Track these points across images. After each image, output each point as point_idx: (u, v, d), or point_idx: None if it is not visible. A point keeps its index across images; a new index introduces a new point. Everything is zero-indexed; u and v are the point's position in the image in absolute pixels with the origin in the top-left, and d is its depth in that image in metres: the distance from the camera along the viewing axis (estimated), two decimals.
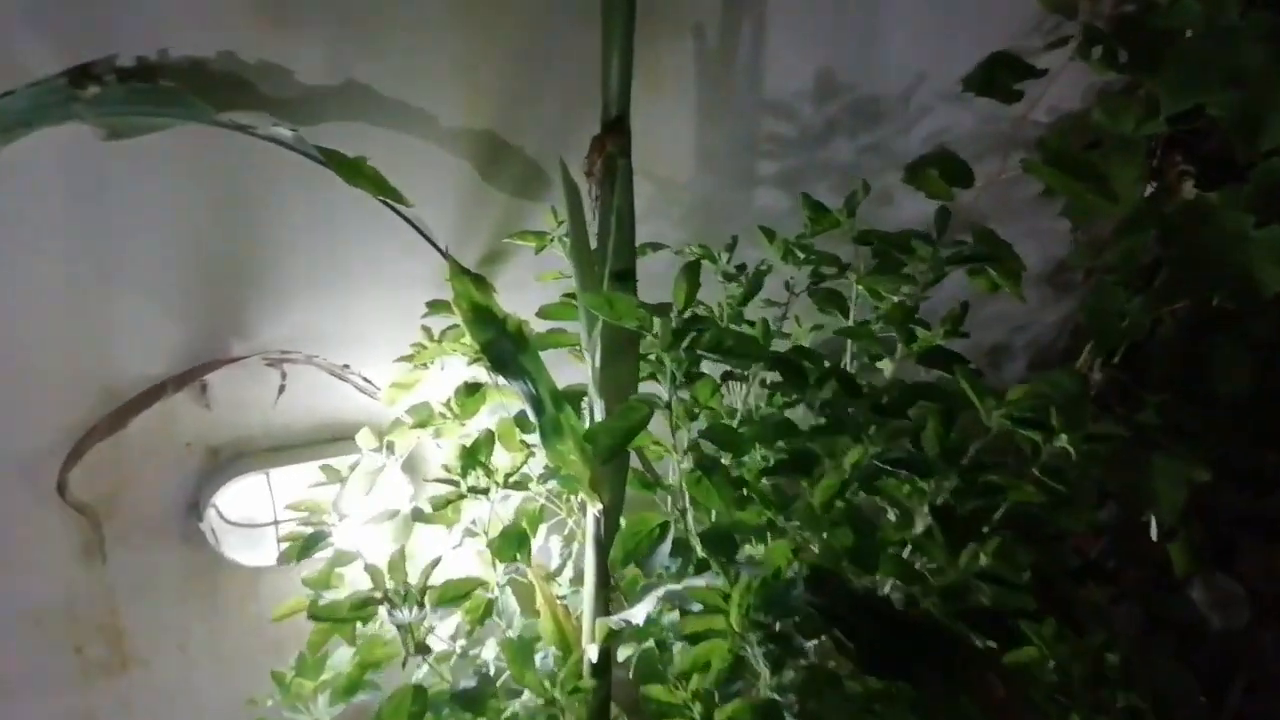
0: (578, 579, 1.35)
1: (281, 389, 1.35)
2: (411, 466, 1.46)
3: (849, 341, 1.27)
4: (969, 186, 1.67)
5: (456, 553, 1.27)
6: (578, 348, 1.26)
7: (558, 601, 1.29)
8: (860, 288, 1.29)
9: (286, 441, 1.41)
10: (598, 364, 1.07)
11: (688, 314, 0.94)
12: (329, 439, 1.44)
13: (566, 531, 1.39)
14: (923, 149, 1.73)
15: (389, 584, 1.07)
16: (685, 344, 0.92)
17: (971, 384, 1.04)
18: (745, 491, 1.07)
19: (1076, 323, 2.11)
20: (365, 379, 1.35)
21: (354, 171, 1.14)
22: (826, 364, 1.10)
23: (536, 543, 1.25)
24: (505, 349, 1.16)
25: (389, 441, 1.29)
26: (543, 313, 1.21)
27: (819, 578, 0.97)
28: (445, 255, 1.16)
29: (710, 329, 0.92)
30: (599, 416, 1.12)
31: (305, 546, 1.09)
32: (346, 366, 1.35)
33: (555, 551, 1.38)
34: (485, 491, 1.14)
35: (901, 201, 1.78)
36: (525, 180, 1.43)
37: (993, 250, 1.23)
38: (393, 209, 1.15)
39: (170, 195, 1.23)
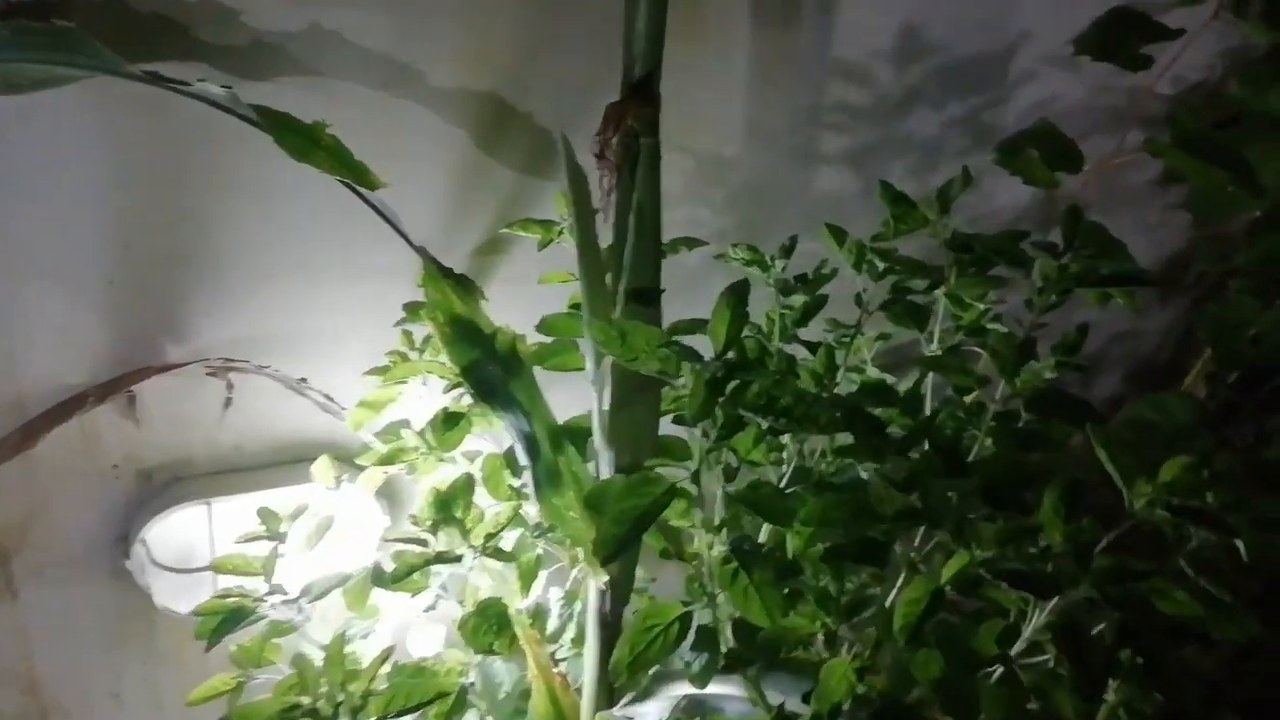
0: (581, 638, 1.10)
1: (227, 403, 1.11)
2: (391, 494, 1.21)
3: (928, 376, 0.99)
4: (1076, 171, 1.36)
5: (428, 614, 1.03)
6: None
7: (555, 671, 1.05)
8: (945, 301, 1.01)
9: (236, 464, 1.17)
10: (606, 405, 0.81)
11: (729, 354, 0.67)
12: (290, 461, 1.19)
13: (569, 584, 1.14)
14: (1021, 124, 1.43)
15: (322, 686, 0.83)
16: (724, 398, 0.65)
17: (1111, 454, 0.76)
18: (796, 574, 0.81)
19: (1185, 333, 1.81)
20: (327, 396, 1.10)
21: (304, 142, 0.87)
22: (911, 413, 0.83)
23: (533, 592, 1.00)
24: (492, 374, 0.91)
25: (350, 476, 1.04)
26: (544, 327, 0.94)
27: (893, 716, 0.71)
28: (419, 251, 0.90)
29: (758, 377, 0.65)
30: (605, 470, 0.85)
31: (220, 628, 0.84)
32: (303, 380, 1.10)
33: (555, 606, 1.13)
34: (458, 559, 0.89)
35: (991, 187, 1.49)
36: (534, 153, 1.16)
37: (1124, 267, 0.95)
38: (354, 191, 0.89)
39: (88, 168, 0.98)
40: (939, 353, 0.96)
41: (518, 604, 0.98)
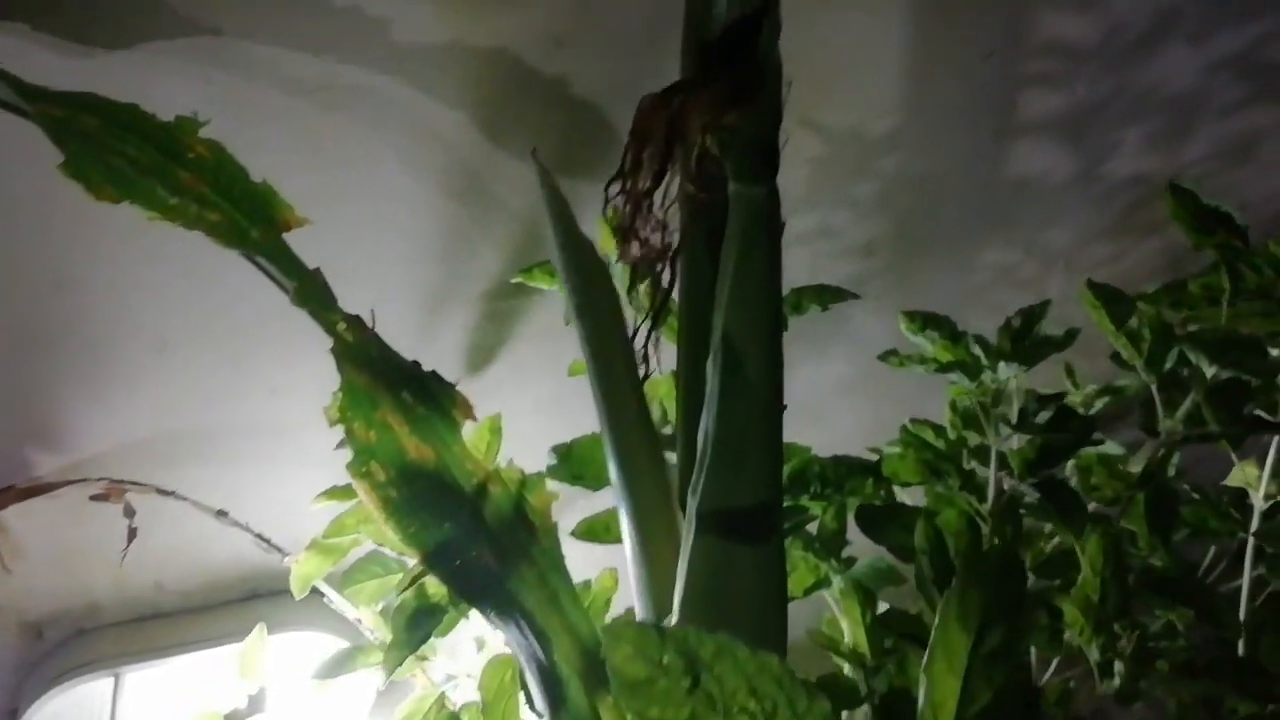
0: None
1: (132, 534, 0.74)
2: None
3: None
4: None
5: None
6: None
7: None
8: None
9: (159, 608, 0.81)
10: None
11: None
12: (236, 599, 0.83)
13: None
14: None
15: None
16: None
17: None
18: None
19: None
20: (260, 537, 0.73)
21: (104, 145, 0.51)
22: None
23: None
24: (477, 563, 0.51)
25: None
26: (564, 465, 0.54)
27: None
28: (329, 327, 0.51)
29: None
30: None
31: None
32: (223, 513, 0.72)
33: None
34: None
35: (1271, 158, 1.00)
36: (573, 139, 0.75)
37: None
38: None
39: None
40: None
41: None
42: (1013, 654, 0.26)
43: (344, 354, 0.50)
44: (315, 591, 0.88)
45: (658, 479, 0.35)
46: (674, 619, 0.35)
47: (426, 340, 0.79)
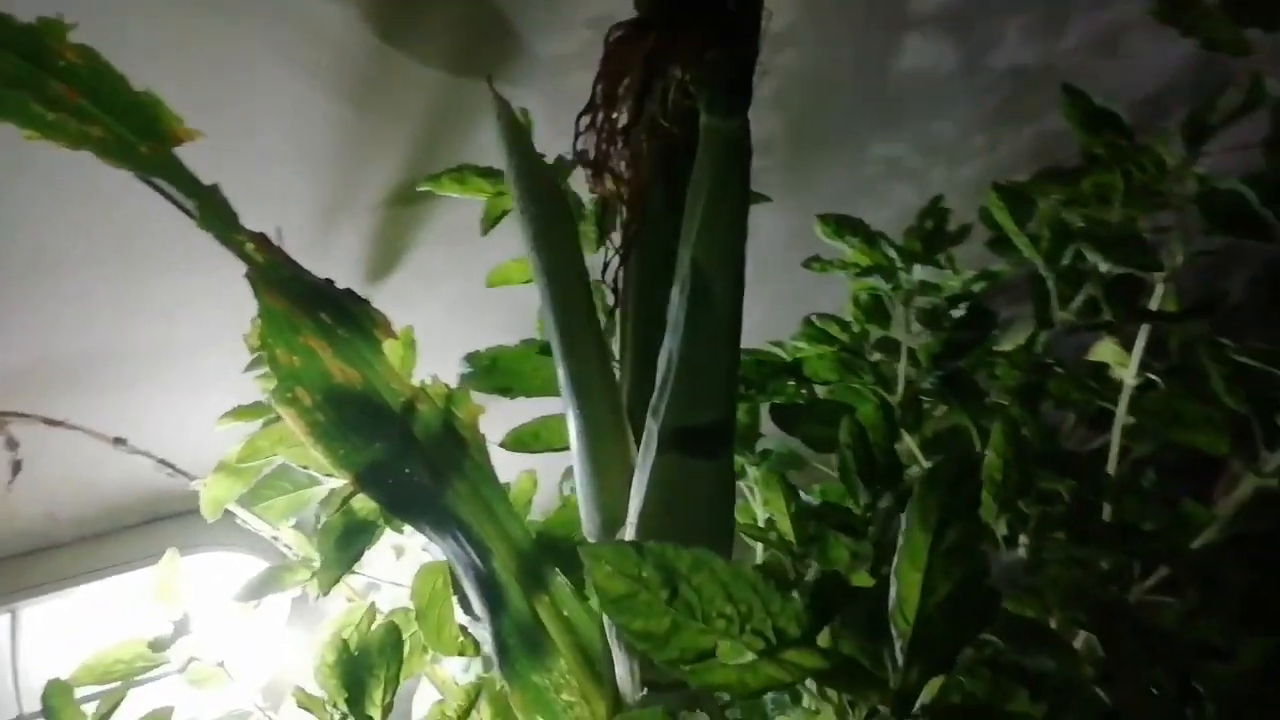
0: None
1: (16, 466, 0.71)
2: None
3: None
4: (1275, 28, 0.92)
5: None
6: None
7: None
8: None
9: (53, 539, 0.78)
10: None
11: None
12: (134, 524, 0.80)
13: None
14: None
15: None
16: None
17: None
18: None
19: None
20: (163, 462, 0.70)
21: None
22: None
23: None
24: (408, 480, 0.51)
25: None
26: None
27: None
28: (246, 256, 0.49)
29: None
30: (623, 679, 0.47)
31: None
32: (121, 441, 0.69)
33: None
34: None
35: (1134, 48, 1.04)
36: (463, 35, 0.72)
37: None
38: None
39: None
40: None
41: None
42: (969, 549, 0.28)
43: (259, 279, 0.48)
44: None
45: (613, 404, 0.36)
46: (629, 530, 0.36)
47: (322, 250, 0.76)
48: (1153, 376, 0.61)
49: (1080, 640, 0.51)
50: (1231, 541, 0.62)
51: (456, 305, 0.83)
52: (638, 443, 0.37)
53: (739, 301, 0.32)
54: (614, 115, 0.27)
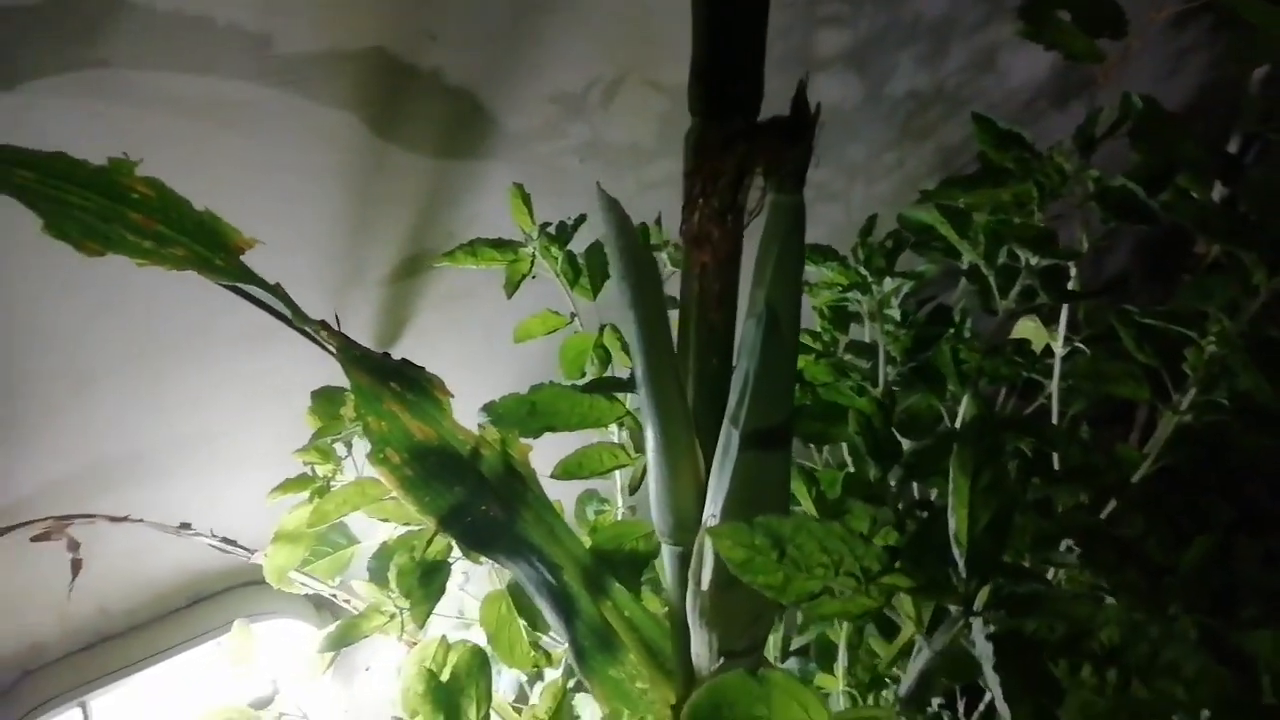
0: None
1: (76, 567, 0.75)
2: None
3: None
4: (1121, 35, 1.07)
5: None
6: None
7: None
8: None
9: (106, 632, 0.82)
10: (705, 585, 0.50)
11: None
12: (182, 606, 0.85)
13: None
14: None
15: None
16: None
17: None
18: None
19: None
20: (226, 540, 0.76)
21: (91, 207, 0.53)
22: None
23: None
24: (485, 517, 0.59)
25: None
26: (541, 412, 0.62)
27: None
28: (335, 349, 0.56)
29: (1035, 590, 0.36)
30: (703, 657, 0.56)
31: None
32: (187, 526, 0.74)
33: None
34: None
35: (1008, 64, 1.19)
36: (449, 124, 0.80)
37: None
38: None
39: None
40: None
41: None
42: (999, 486, 0.38)
43: (344, 358, 0.56)
44: (249, 584, 0.92)
45: (686, 423, 0.45)
46: (717, 517, 0.45)
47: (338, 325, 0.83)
48: (1079, 344, 0.73)
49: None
50: (1160, 474, 0.74)
51: (453, 364, 0.90)
52: (703, 455, 0.47)
53: (798, 330, 0.41)
54: (713, 204, 0.35)
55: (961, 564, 0.36)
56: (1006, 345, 0.91)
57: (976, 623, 0.35)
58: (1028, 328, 0.92)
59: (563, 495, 0.76)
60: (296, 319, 0.56)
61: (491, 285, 0.79)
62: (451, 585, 0.83)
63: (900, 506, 0.58)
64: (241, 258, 0.58)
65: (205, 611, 0.86)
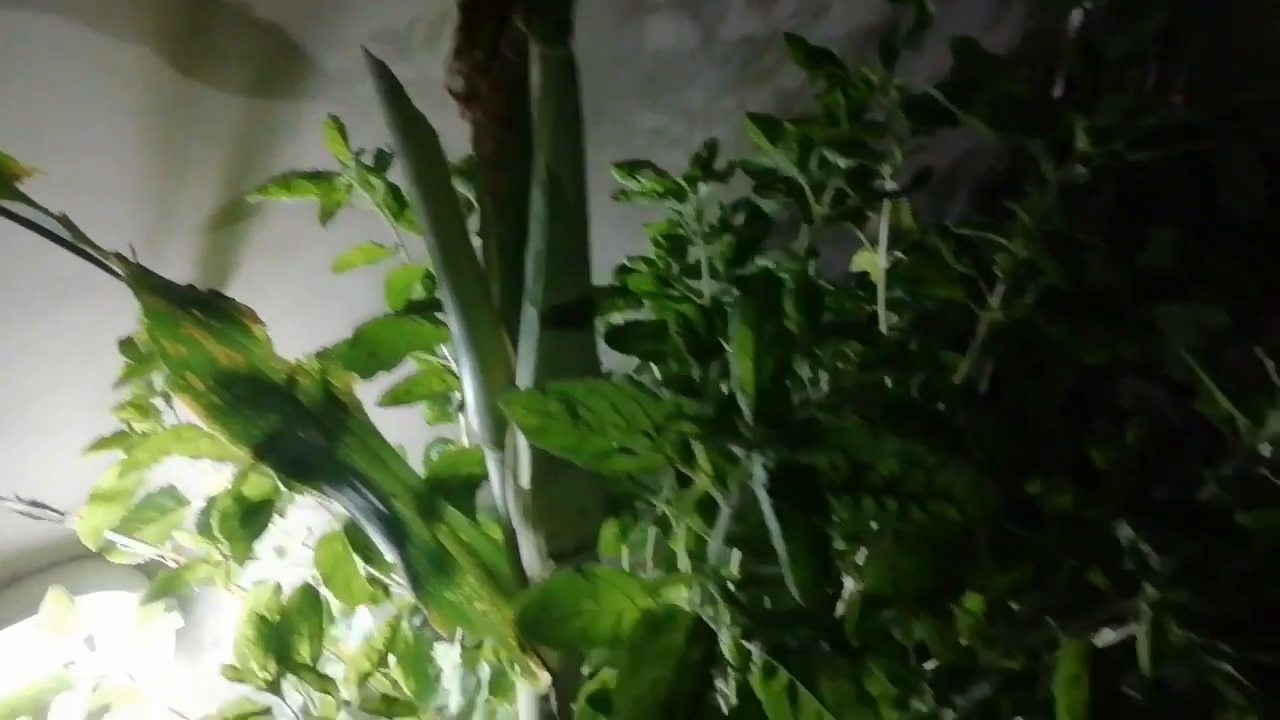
0: None
1: None
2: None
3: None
4: None
5: None
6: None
7: None
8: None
9: None
10: (525, 481, 0.50)
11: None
12: (7, 580, 0.80)
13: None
14: None
15: None
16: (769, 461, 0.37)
17: None
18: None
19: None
20: (33, 503, 0.71)
21: None
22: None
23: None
24: (304, 445, 0.57)
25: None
26: (362, 342, 0.61)
27: None
28: (125, 276, 0.53)
29: (826, 428, 0.37)
30: (530, 559, 0.55)
31: None
32: None
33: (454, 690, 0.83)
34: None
35: (840, 10, 1.22)
36: (263, 64, 0.77)
37: None
38: None
39: None
40: None
41: None
42: (780, 338, 0.39)
43: (136, 283, 0.53)
44: (77, 558, 0.87)
45: (490, 314, 0.44)
46: None
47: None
48: (900, 255, 0.75)
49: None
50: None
51: (280, 312, 0.87)
52: (512, 344, 0.46)
53: (585, 195, 0.41)
54: (476, 55, 0.35)
55: (748, 411, 0.37)
56: (850, 280, 0.93)
57: (757, 458, 0.35)
58: (864, 259, 0.95)
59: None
60: (82, 244, 0.53)
61: (322, 233, 0.76)
62: (294, 542, 0.81)
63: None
64: (19, 186, 0.54)
65: (26, 589, 0.80)
